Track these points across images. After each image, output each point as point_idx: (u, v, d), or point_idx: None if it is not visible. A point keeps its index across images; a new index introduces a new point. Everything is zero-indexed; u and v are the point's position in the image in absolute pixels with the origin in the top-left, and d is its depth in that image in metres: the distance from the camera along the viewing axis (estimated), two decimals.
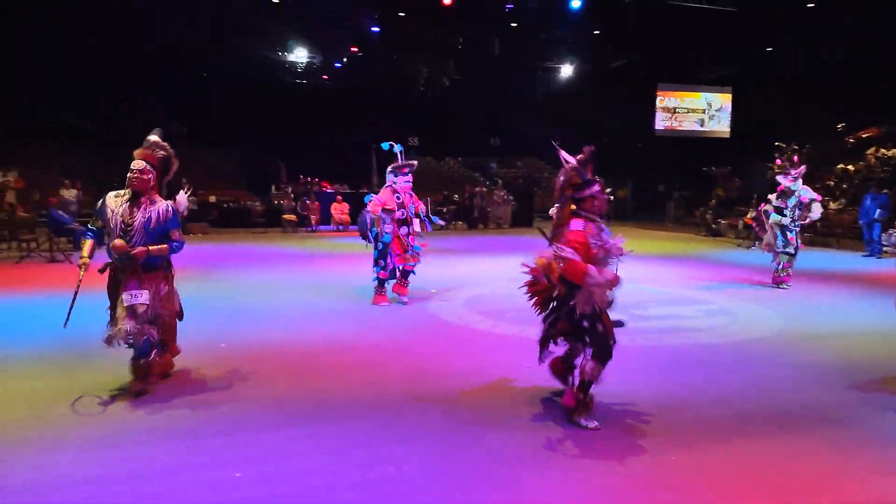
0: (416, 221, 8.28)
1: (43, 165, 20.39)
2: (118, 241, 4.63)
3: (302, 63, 26.35)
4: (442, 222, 8.72)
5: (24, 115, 21.64)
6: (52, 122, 22.91)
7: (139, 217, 4.71)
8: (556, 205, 4.58)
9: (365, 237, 8.33)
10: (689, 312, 8.11)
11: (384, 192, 8.13)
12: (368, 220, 8.08)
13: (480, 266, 12.09)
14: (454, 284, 9.81)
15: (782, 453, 3.92)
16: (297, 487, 3.42)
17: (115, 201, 4.76)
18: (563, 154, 4.46)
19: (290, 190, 21.65)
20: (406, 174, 8.20)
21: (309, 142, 25.38)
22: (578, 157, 4.37)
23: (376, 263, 8.20)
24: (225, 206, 21.18)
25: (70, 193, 16.28)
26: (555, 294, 4.38)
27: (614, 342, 4.31)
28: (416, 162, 8.53)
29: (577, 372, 4.44)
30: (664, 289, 9.74)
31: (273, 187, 23.16)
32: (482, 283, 10.01)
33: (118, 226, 4.68)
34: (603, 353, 4.26)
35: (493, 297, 9.08)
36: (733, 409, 4.67)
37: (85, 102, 23.25)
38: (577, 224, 4.22)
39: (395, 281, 8.39)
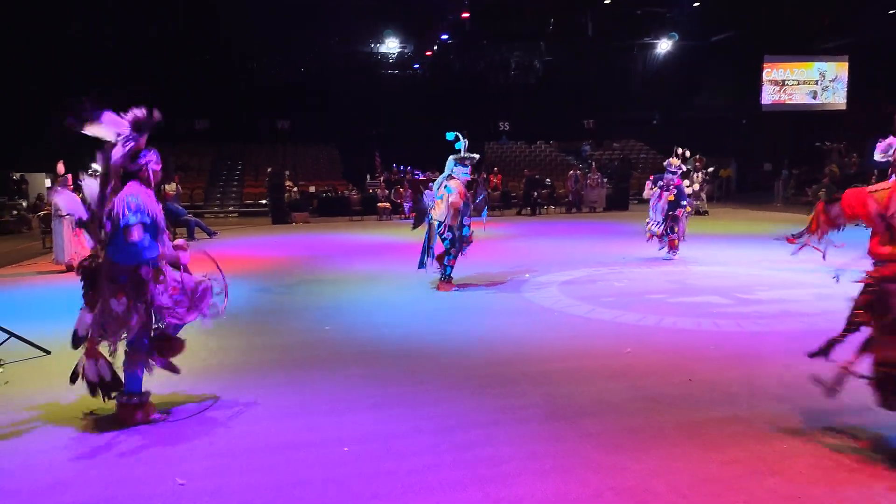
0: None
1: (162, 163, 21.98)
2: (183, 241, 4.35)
3: (394, 53, 26.76)
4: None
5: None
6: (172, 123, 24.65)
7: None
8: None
9: (419, 223, 8.61)
10: (801, 296, 7.68)
11: (460, 186, 8.15)
12: (449, 213, 8.12)
13: (574, 250, 11.94)
14: (547, 269, 9.76)
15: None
16: (399, 464, 3.56)
17: (151, 198, 4.10)
18: None
19: (381, 179, 22.16)
20: (466, 166, 8.28)
21: (402, 130, 25.84)
22: None
23: (448, 252, 8.26)
24: (324, 195, 22.02)
25: (171, 188, 17.43)
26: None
27: None
28: (478, 156, 8.61)
29: None
30: (772, 272, 9.25)
31: (368, 176, 23.80)
32: (576, 268, 9.90)
33: (161, 221, 4.16)
34: None
35: (587, 281, 8.96)
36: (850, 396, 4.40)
37: (198, 101, 24.77)
38: None
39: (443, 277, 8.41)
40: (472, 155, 8.39)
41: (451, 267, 8.34)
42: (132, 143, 4.01)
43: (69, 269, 10.28)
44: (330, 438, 3.91)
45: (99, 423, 4.17)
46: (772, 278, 8.81)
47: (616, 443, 3.79)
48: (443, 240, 8.22)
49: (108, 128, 3.99)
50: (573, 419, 4.13)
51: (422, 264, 8.37)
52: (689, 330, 6.29)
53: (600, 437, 3.86)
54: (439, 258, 8.37)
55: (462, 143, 8.33)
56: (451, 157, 8.34)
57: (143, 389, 4.17)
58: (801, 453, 3.61)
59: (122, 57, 21.84)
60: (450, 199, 8.06)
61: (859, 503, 3.11)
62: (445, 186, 8.19)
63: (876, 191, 3.65)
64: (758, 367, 5.13)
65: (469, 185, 8.70)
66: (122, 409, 4.13)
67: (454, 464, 3.56)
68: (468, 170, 8.35)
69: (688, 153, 10.84)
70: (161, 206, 4.22)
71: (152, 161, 4.12)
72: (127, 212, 3.87)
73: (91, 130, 3.97)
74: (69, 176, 10.63)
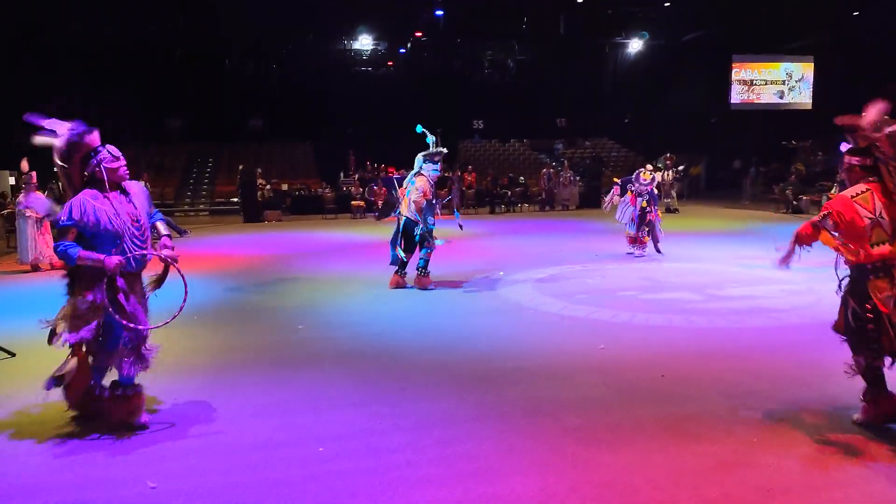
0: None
1: (134, 163, 21.64)
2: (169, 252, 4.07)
3: (367, 51, 26.63)
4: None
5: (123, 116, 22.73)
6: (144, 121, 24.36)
7: (140, 209, 4.04)
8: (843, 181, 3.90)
9: (383, 216, 8.76)
10: (770, 293, 7.84)
11: (425, 183, 8.12)
12: (413, 210, 8.09)
13: (547, 248, 12.01)
14: (522, 266, 9.81)
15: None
16: (379, 462, 3.55)
17: (101, 202, 3.88)
18: None
19: (356, 177, 22.03)
20: (436, 163, 8.29)
21: (375, 128, 25.70)
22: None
23: (421, 246, 8.20)
24: (297, 193, 21.82)
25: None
26: None
27: None
28: (446, 150, 8.60)
29: None
30: (741, 268, 9.42)
31: (342, 174, 23.64)
32: (550, 266, 9.96)
33: (127, 226, 3.92)
34: None
35: (561, 278, 9.03)
36: (819, 390, 4.51)
37: (174, 100, 24.41)
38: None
39: (416, 273, 8.33)
40: (439, 150, 8.36)
41: (427, 260, 8.30)
42: (66, 146, 3.93)
43: (34, 268, 10.04)
44: (308, 437, 3.88)
45: (72, 425, 4.08)
46: (741, 275, 8.97)
47: (594, 437, 3.83)
48: (413, 236, 8.19)
49: (53, 136, 3.94)
50: (552, 415, 4.16)
51: (394, 261, 8.36)
52: (661, 326, 6.38)
53: (579, 432, 3.89)
54: (400, 263, 8.29)
55: (431, 138, 8.32)
56: (419, 155, 8.32)
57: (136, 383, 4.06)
58: (773, 445, 3.69)
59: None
60: (412, 198, 8.06)
61: (831, 493, 3.19)
62: (412, 183, 8.22)
63: (857, 195, 3.75)
64: (729, 361, 5.22)
65: (441, 183, 8.68)
66: (114, 402, 4.00)
67: (434, 460, 3.57)
68: (438, 166, 8.35)
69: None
70: (133, 207, 4.02)
71: (105, 160, 3.92)
72: (62, 214, 3.82)
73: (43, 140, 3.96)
74: (34, 173, 10.37)
